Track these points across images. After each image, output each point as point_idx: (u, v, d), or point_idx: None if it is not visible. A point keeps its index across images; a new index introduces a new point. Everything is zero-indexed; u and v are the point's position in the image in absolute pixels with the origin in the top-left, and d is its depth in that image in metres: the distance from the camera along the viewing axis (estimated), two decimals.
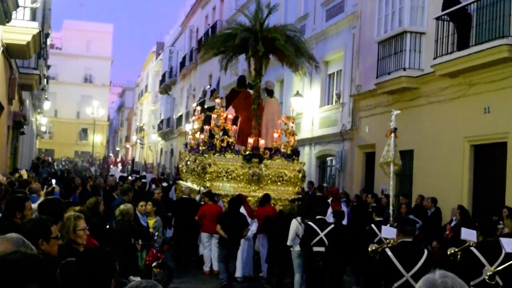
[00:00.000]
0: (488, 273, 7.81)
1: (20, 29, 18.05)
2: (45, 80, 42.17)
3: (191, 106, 35.72)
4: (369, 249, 8.99)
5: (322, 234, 11.91)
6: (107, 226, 11.26)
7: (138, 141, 73.11)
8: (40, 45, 22.34)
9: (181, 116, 50.03)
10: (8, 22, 15.68)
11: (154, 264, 12.93)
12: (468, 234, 8.82)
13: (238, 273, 14.96)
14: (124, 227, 10.73)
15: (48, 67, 46.41)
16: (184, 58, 51.43)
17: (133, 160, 53.98)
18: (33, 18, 19.10)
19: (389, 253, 7.76)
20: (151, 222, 13.59)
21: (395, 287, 7.65)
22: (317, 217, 12.24)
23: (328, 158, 26.06)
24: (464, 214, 14.43)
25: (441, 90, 17.71)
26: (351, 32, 23.58)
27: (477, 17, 15.75)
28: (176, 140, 51.64)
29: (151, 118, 70.29)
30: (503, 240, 8.22)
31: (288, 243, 12.97)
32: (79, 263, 4.42)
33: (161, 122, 58.88)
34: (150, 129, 70.17)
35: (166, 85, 59.19)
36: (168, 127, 55.75)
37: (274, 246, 14.22)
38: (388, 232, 9.27)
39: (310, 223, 12.17)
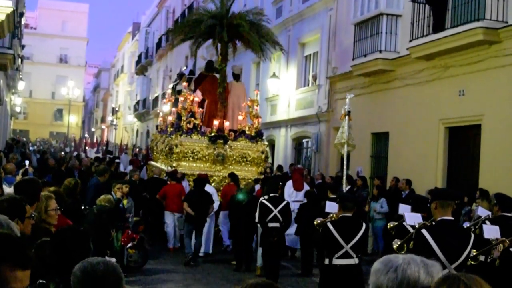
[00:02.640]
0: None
1: None
2: (20, 60, 41.72)
3: (167, 87, 35.62)
4: (315, 222, 9.05)
5: (275, 211, 12.67)
6: (86, 210, 11.23)
7: (114, 122, 72.77)
8: (14, 24, 22.07)
9: (157, 97, 49.82)
10: None
11: (129, 245, 12.95)
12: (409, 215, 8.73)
13: (201, 249, 15.61)
14: (103, 214, 10.63)
15: (23, 47, 45.90)
16: (160, 39, 51.09)
17: (107, 141, 53.65)
18: None
19: (330, 226, 8.33)
20: (124, 202, 13.58)
21: (336, 257, 8.29)
22: (271, 194, 12.99)
23: (304, 140, 26.13)
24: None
25: (416, 72, 17.79)
26: (328, 14, 23.57)
27: (452, 0, 15.81)
28: (152, 121, 51.43)
29: (127, 99, 69.88)
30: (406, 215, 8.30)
31: (256, 220, 13.43)
32: (53, 243, 4.41)
33: (137, 103, 58.59)
34: (126, 110, 69.79)
35: (142, 66, 58.85)
36: (144, 108, 55.51)
37: (237, 223, 14.90)
38: (332, 207, 9.59)
39: (263, 200, 12.94)
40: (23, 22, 39.67)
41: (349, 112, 14.87)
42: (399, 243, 7.50)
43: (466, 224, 10.15)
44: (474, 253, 7.05)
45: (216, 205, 15.89)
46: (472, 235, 6.62)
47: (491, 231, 7.95)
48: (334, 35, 23.02)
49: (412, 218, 8.64)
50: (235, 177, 16.93)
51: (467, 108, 15.71)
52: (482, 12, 14.57)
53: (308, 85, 25.62)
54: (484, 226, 8.49)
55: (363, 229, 8.44)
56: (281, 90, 27.30)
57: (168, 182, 17.25)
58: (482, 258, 7.52)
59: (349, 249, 8.25)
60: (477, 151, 15.44)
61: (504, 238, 7.52)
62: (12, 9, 18.27)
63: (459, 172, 16.41)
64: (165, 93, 22.58)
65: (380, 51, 18.73)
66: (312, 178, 20.59)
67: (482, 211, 9.39)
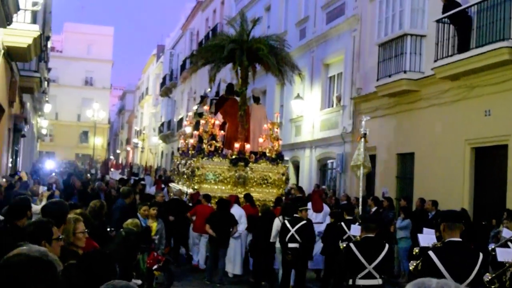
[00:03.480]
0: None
1: (21, 32, 18.04)
2: (46, 82, 42.20)
3: (191, 109, 35.85)
4: (340, 246, 9.54)
5: (292, 230, 12.91)
6: (113, 232, 11.25)
7: (138, 143, 73.15)
8: (40, 47, 22.35)
9: (181, 119, 50.00)
10: (9, 25, 15.68)
11: (155, 267, 12.94)
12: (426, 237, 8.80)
13: (229, 270, 15.83)
14: (132, 231, 10.64)
15: (49, 70, 46.44)
16: (184, 61, 51.41)
17: (131, 163, 54.04)
18: (34, 21, 19.09)
19: (353, 247, 8.51)
20: (154, 225, 13.59)
21: (359, 277, 8.46)
22: (294, 215, 13.31)
23: (329, 161, 26.06)
24: (464, 217, 14.40)
25: (441, 92, 17.72)
26: (352, 35, 23.60)
27: (477, 20, 15.76)
28: (176, 143, 51.54)
29: (151, 121, 70.25)
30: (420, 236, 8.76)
31: (271, 239, 13.86)
32: (80, 266, 4.43)
33: (162, 124, 58.85)
34: (150, 132, 70.14)
35: (166, 88, 59.18)
36: (168, 130, 55.75)
37: (257, 243, 15.10)
38: (356, 230, 9.86)
39: (284, 221, 13.26)
40: (49, 45, 40.19)
41: (365, 134, 15.22)
42: (414, 264, 7.49)
43: (492, 246, 10.05)
44: (490, 277, 7.36)
45: (242, 228, 15.91)
46: (481, 255, 6.64)
47: (505, 254, 8.09)
48: (358, 56, 23.02)
49: (426, 239, 9.02)
50: (248, 197, 17.18)
51: (493, 128, 15.59)
52: (507, 32, 14.51)
53: (333, 106, 25.60)
54: (497, 249, 8.48)
55: (386, 250, 8.56)
56: (305, 111, 27.31)
57: (189, 204, 17.55)
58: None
59: (372, 270, 8.39)
60: (504, 172, 15.29)
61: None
62: (39, 33, 18.52)
63: (486, 193, 16.26)
64: (186, 116, 22.77)
65: (405, 72, 18.68)
66: (337, 199, 20.53)
67: (507, 232, 9.28)
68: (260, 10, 34.54)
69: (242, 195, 17.80)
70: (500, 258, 8.20)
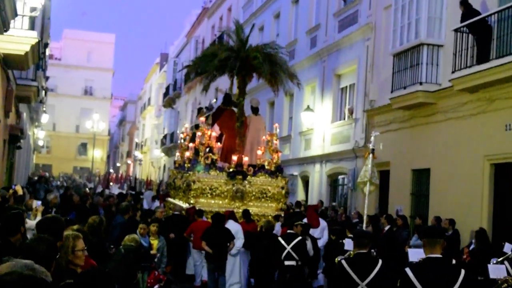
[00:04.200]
0: None
1: (18, 39, 18.09)
2: (44, 92, 42.28)
3: (196, 120, 35.92)
4: (336, 260, 9.63)
5: (288, 248, 12.89)
6: (113, 250, 11.25)
7: (140, 157, 73.24)
8: (39, 55, 22.41)
9: (191, 128, 50.01)
10: (6, 31, 15.75)
11: (156, 286, 12.92)
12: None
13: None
14: (129, 256, 10.64)
15: (47, 78, 46.53)
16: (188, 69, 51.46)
17: (135, 177, 54.11)
18: (32, 27, 19.15)
19: (344, 264, 8.47)
20: (155, 243, 13.57)
21: None
22: (288, 231, 13.36)
23: (340, 177, 26.01)
24: (482, 237, 14.35)
25: (459, 105, 17.67)
26: (365, 44, 23.60)
27: (497, 29, 15.74)
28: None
29: (154, 132, 70.37)
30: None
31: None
32: (78, 285, 4.41)
33: (164, 137, 58.89)
34: (152, 144, 70.23)
35: (170, 98, 59.26)
36: (171, 143, 55.71)
37: (257, 261, 15.09)
38: (351, 245, 9.89)
39: (278, 237, 13.32)
40: (47, 53, 40.32)
41: (373, 150, 15.42)
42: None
43: (494, 261, 10.07)
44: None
45: (240, 243, 15.94)
46: (463, 272, 6.73)
47: (496, 271, 8.40)
48: (372, 66, 23.01)
49: (415, 255, 9.33)
50: (245, 213, 17.28)
51: None
52: None
53: (344, 119, 25.57)
54: (489, 266, 8.63)
55: (379, 266, 8.47)
56: (316, 124, 27.29)
57: (189, 219, 17.53)
58: None
59: (364, 286, 8.35)
60: None
61: (507, 277, 7.88)
62: (37, 40, 18.57)
63: (505, 211, 16.17)
64: (195, 126, 22.86)
65: (421, 83, 18.64)
66: (348, 217, 20.49)
67: (508, 247, 9.34)
68: (269, 17, 34.65)
69: (241, 210, 17.89)
70: (492, 275, 8.41)
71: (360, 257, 8.61)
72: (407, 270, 6.78)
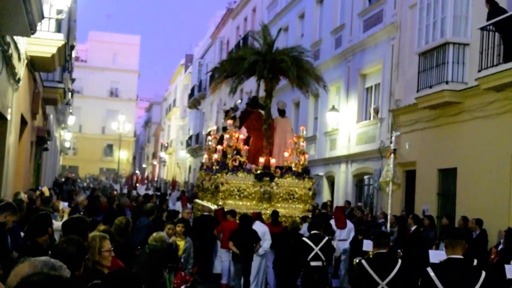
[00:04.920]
0: None
1: (44, 41, 18.21)
2: (70, 94, 42.58)
3: (221, 121, 35.96)
4: (354, 262, 9.81)
5: (316, 249, 12.95)
6: (138, 251, 11.30)
7: (162, 158, 73.46)
8: (65, 57, 22.56)
9: (210, 132, 50.08)
10: (33, 33, 15.82)
11: (183, 287, 12.94)
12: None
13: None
14: (156, 249, 10.70)
15: (73, 80, 46.87)
16: (213, 70, 51.50)
17: (159, 178, 54.37)
18: (58, 29, 19.27)
19: (365, 264, 8.60)
20: (181, 243, 13.61)
21: None
22: (312, 232, 13.37)
23: (366, 177, 25.93)
24: (511, 237, 14.23)
25: (486, 104, 17.54)
26: (390, 44, 23.50)
27: None
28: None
29: (179, 133, 70.56)
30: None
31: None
32: (105, 286, 4.44)
33: (190, 138, 59.05)
34: (178, 145, 70.43)
35: (195, 99, 59.40)
36: (197, 144, 55.88)
37: (282, 261, 15.22)
38: (369, 246, 10.11)
39: (304, 238, 13.38)
40: (73, 55, 40.59)
41: (394, 150, 15.47)
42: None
43: None
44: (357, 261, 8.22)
45: (267, 245, 16.06)
46: (483, 273, 6.85)
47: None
48: (397, 65, 22.91)
49: (436, 256, 9.65)
50: (273, 214, 17.39)
51: None
52: None
53: (370, 119, 25.49)
54: (506, 266, 8.63)
55: (399, 266, 8.61)
56: (341, 124, 27.23)
57: (218, 220, 17.72)
58: None
59: (385, 286, 8.47)
60: None
61: None
62: (63, 42, 18.70)
63: None
64: (210, 131, 23.06)
65: (447, 82, 18.53)
66: (374, 217, 20.43)
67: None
68: (294, 17, 34.61)
69: (268, 212, 18.11)
70: (509, 275, 8.57)
71: (380, 257, 8.74)
72: (429, 270, 6.90)
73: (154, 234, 11.31)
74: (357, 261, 9.28)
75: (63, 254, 4.91)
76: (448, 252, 7.04)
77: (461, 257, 6.96)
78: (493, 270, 10.71)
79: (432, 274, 6.83)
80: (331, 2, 29.75)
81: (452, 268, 6.89)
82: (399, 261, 8.81)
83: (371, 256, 9.17)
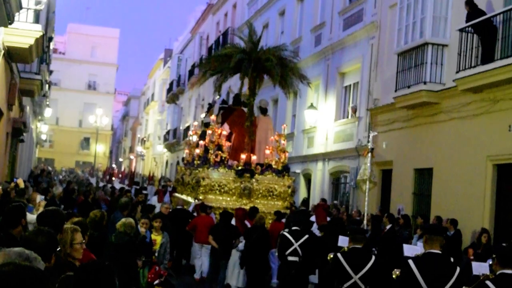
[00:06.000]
0: None
1: (22, 32, 18.11)
2: (47, 86, 42.34)
3: (199, 117, 35.95)
4: (328, 257, 9.92)
5: (296, 245, 13.02)
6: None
7: (140, 152, 73.27)
8: (42, 49, 22.44)
9: (188, 127, 50.01)
10: (10, 24, 15.73)
11: (157, 282, 12.92)
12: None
13: (232, 283, 16.11)
14: (123, 241, 10.74)
15: (51, 72, 46.58)
16: (193, 66, 51.46)
17: (133, 172, 54.24)
18: (37, 20, 19.16)
19: (340, 257, 9.03)
20: (158, 238, 13.58)
21: (345, 287, 8.93)
22: (293, 228, 13.44)
23: (342, 175, 26.01)
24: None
25: (463, 105, 17.66)
26: (370, 43, 23.58)
27: (503, 30, 15.71)
28: (182, 152, 51.57)
29: (157, 128, 70.38)
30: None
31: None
32: (77, 278, 4.41)
33: (167, 132, 58.91)
34: (155, 140, 70.25)
35: (173, 94, 59.25)
36: (174, 139, 55.78)
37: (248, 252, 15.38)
38: (344, 242, 10.37)
39: (284, 233, 13.39)
40: (51, 46, 40.34)
41: (372, 149, 16.06)
42: (397, 272, 8.29)
43: (490, 261, 10.15)
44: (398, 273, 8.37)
45: None
46: (458, 268, 7.44)
47: (480, 268, 8.91)
48: (376, 65, 22.99)
49: (409, 250, 10.28)
50: (252, 210, 17.28)
51: None
52: None
53: (348, 117, 25.56)
54: (473, 263, 8.92)
55: (373, 261, 9.02)
56: (319, 122, 27.28)
57: (194, 214, 17.93)
58: None
59: (357, 280, 8.85)
60: None
61: (488, 274, 8.12)
62: (41, 34, 18.59)
63: (508, 211, 16.16)
64: (189, 126, 23.18)
65: (425, 83, 18.62)
66: (349, 215, 20.52)
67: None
68: (274, 14, 34.62)
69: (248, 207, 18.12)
70: (475, 271, 8.95)
71: (355, 251, 9.11)
72: (410, 262, 7.39)
73: (123, 220, 11.28)
74: (332, 256, 9.53)
75: (32, 245, 4.87)
76: (426, 247, 7.53)
77: (439, 252, 7.43)
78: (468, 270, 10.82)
79: (413, 266, 7.31)
80: (311, 0, 29.77)
81: (430, 261, 7.34)
82: (373, 257, 9.15)
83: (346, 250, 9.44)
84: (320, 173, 27.11)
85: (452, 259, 8.05)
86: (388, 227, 16.75)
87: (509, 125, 15.79)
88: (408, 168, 20.41)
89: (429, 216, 18.37)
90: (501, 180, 16.50)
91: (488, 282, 7.11)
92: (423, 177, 20.00)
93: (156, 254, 13.52)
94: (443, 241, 7.63)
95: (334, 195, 26.28)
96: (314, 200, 25.41)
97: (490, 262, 9.75)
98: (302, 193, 28.49)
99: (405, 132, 20.71)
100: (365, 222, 16.72)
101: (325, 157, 26.60)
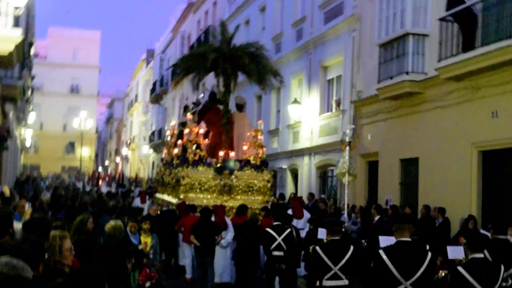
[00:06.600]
0: None
1: (2, 38, 18.01)
2: (30, 91, 42.16)
3: (182, 117, 35.93)
4: (310, 249, 10.03)
5: (279, 239, 13.38)
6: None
7: (125, 154, 73.06)
8: (23, 54, 22.33)
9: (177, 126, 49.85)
10: None
11: (148, 284, 12.91)
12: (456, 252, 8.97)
13: (217, 279, 16.12)
14: (112, 243, 10.72)
15: (33, 77, 46.37)
16: (174, 65, 51.24)
17: (119, 175, 54.04)
18: (16, 25, 19.06)
19: (319, 250, 9.20)
20: (148, 240, 13.56)
21: (326, 278, 9.10)
22: (274, 223, 13.82)
23: (329, 169, 26.04)
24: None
25: (446, 94, 17.74)
26: (351, 35, 23.61)
27: (483, 18, 15.78)
28: None
29: (142, 129, 70.24)
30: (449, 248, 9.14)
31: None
32: (67, 284, 4.40)
33: (153, 133, 58.80)
34: (141, 141, 70.10)
35: (157, 95, 59.12)
36: (160, 139, 55.61)
37: (240, 253, 15.61)
38: (323, 234, 10.42)
39: (267, 229, 13.74)
40: (32, 51, 40.15)
41: (349, 142, 16.63)
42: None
43: None
44: (444, 274, 8.88)
45: (230, 236, 16.27)
46: (429, 254, 7.61)
47: (455, 252, 8.92)
48: (358, 57, 23.03)
49: (385, 241, 9.48)
50: (240, 208, 17.39)
51: (501, 130, 15.60)
52: None
53: (332, 111, 25.60)
54: (448, 247, 8.99)
55: (351, 251, 9.22)
56: (304, 117, 27.31)
57: (179, 214, 17.90)
58: None
59: (337, 271, 9.05)
60: None
61: (463, 258, 8.43)
62: (21, 39, 18.49)
63: (495, 198, 16.25)
64: (182, 124, 23.08)
65: (407, 73, 18.68)
66: (337, 208, 20.56)
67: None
68: (255, 11, 34.61)
69: (231, 204, 18.49)
70: (450, 256, 8.96)
71: (333, 243, 9.34)
72: (381, 252, 7.58)
73: (112, 222, 11.25)
74: (312, 248, 9.65)
75: (19, 254, 4.84)
76: (397, 236, 7.72)
77: (409, 239, 7.67)
78: None
79: (384, 256, 7.48)
80: None
81: (401, 250, 7.56)
82: (351, 247, 9.34)
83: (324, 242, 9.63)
84: (307, 167, 27.14)
85: (428, 247, 8.16)
86: (376, 218, 16.80)
87: (492, 112, 15.88)
88: (394, 158, 20.48)
89: (417, 205, 18.46)
90: (487, 167, 16.60)
91: (459, 268, 7.53)
92: (409, 167, 20.08)
93: (151, 256, 13.52)
94: (413, 229, 7.84)
95: (321, 188, 26.33)
96: (302, 195, 25.42)
97: None
98: (289, 188, 28.53)
99: (389, 123, 20.77)
100: (345, 214, 17.21)
101: (311, 151, 26.63)
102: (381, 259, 7.49)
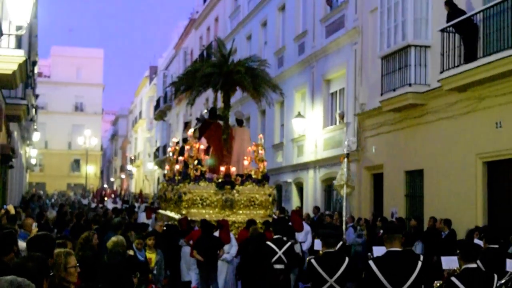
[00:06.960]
0: None
1: (5, 58, 18.01)
2: (34, 110, 42.23)
3: (183, 133, 35.99)
4: (307, 260, 10.05)
5: (280, 253, 13.37)
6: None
7: (129, 171, 73.05)
8: (27, 73, 22.38)
9: (177, 143, 49.87)
10: None
11: None
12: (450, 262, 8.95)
13: None
14: (116, 260, 10.69)
15: (37, 96, 46.47)
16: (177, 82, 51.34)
17: (125, 191, 54.07)
18: (19, 45, 19.11)
19: (314, 263, 9.08)
20: (153, 256, 13.55)
21: None
22: (275, 236, 13.83)
23: (334, 181, 25.92)
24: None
25: (449, 105, 17.72)
26: (353, 48, 23.64)
27: (483, 28, 15.81)
28: None
29: (146, 146, 70.28)
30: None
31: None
32: None
33: (157, 149, 58.81)
34: (145, 158, 70.11)
35: (161, 111, 59.20)
36: (164, 155, 55.53)
37: (244, 267, 15.60)
38: (320, 245, 10.38)
39: (268, 242, 13.74)
40: (36, 70, 40.28)
41: (347, 154, 16.98)
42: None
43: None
44: (438, 285, 8.72)
45: (234, 250, 16.24)
46: (420, 263, 7.62)
47: (449, 262, 8.86)
48: (361, 70, 23.05)
49: (379, 251, 9.64)
50: (249, 222, 17.36)
51: (505, 140, 15.57)
52: None
53: (336, 124, 25.59)
54: (442, 258, 8.97)
55: (346, 263, 9.05)
56: (308, 130, 27.31)
57: (182, 229, 17.85)
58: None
59: (333, 283, 8.91)
60: None
61: (456, 268, 8.42)
62: (24, 58, 18.53)
63: (500, 208, 16.20)
64: (183, 140, 23.18)
65: (410, 85, 18.69)
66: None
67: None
68: (256, 25, 34.69)
69: (234, 219, 18.49)
70: (445, 266, 8.91)
71: (328, 255, 9.18)
72: (371, 263, 7.61)
73: (114, 238, 11.21)
74: (307, 260, 9.65)
75: (23, 272, 4.84)
76: (387, 246, 7.75)
77: (399, 249, 7.71)
78: None
79: (374, 267, 7.51)
80: (292, 9, 29.86)
81: (391, 260, 7.59)
82: (346, 259, 9.22)
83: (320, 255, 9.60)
84: (312, 181, 27.10)
85: (421, 258, 8.12)
86: (382, 231, 16.74)
87: (496, 122, 15.85)
88: (399, 170, 20.45)
89: (423, 217, 18.42)
90: (492, 177, 16.56)
91: (453, 278, 7.55)
92: (414, 179, 20.04)
93: (155, 272, 13.50)
94: (403, 239, 7.91)
95: (327, 202, 26.27)
96: (308, 209, 25.40)
97: None
98: (295, 202, 28.49)
99: (393, 135, 20.76)
100: (344, 226, 17.39)
101: (316, 165, 26.60)
102: (371, 270, 7.53)
